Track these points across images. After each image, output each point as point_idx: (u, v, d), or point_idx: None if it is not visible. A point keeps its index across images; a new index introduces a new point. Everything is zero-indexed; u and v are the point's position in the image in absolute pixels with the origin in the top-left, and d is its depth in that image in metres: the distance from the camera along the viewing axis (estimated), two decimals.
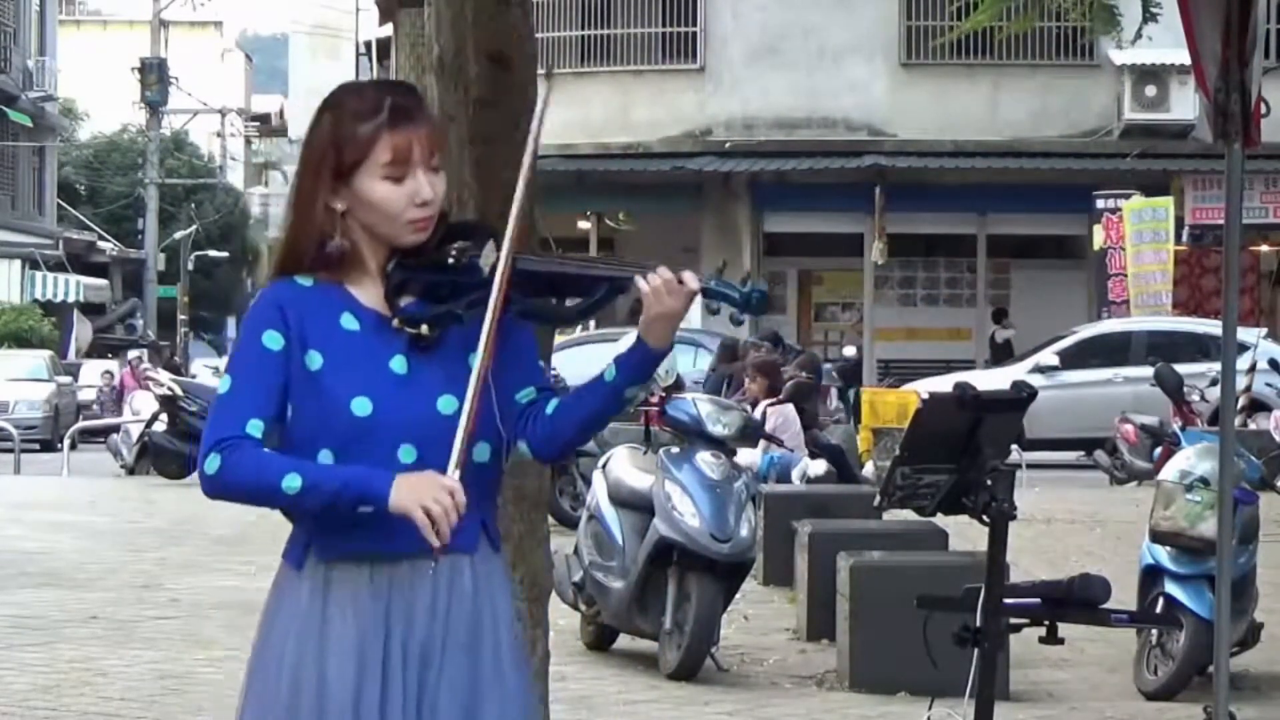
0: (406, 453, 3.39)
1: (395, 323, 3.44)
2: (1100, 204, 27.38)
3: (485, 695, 3.45)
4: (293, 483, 3.32)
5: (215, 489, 3.38)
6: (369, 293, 3.47)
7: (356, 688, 3.38)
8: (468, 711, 3.43)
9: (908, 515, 5.86)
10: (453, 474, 3.32)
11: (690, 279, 3.38)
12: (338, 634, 3.40)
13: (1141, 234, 26.64)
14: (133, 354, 36.95)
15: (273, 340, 3.40)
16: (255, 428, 3.37)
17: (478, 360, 3.39)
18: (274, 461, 3.36)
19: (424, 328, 3.42)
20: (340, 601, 3.41)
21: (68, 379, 36.17)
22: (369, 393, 3.39)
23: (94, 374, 36.74)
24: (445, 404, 3.41)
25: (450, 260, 3.44)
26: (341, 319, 3.44)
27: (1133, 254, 26.56)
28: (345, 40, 51.45)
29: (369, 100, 3.44)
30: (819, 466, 14.52)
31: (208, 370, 33.25)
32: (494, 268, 3.40)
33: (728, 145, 30.15)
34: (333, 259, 3.45)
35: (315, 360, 3.40)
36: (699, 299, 3.42)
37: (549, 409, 3.49)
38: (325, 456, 3.38)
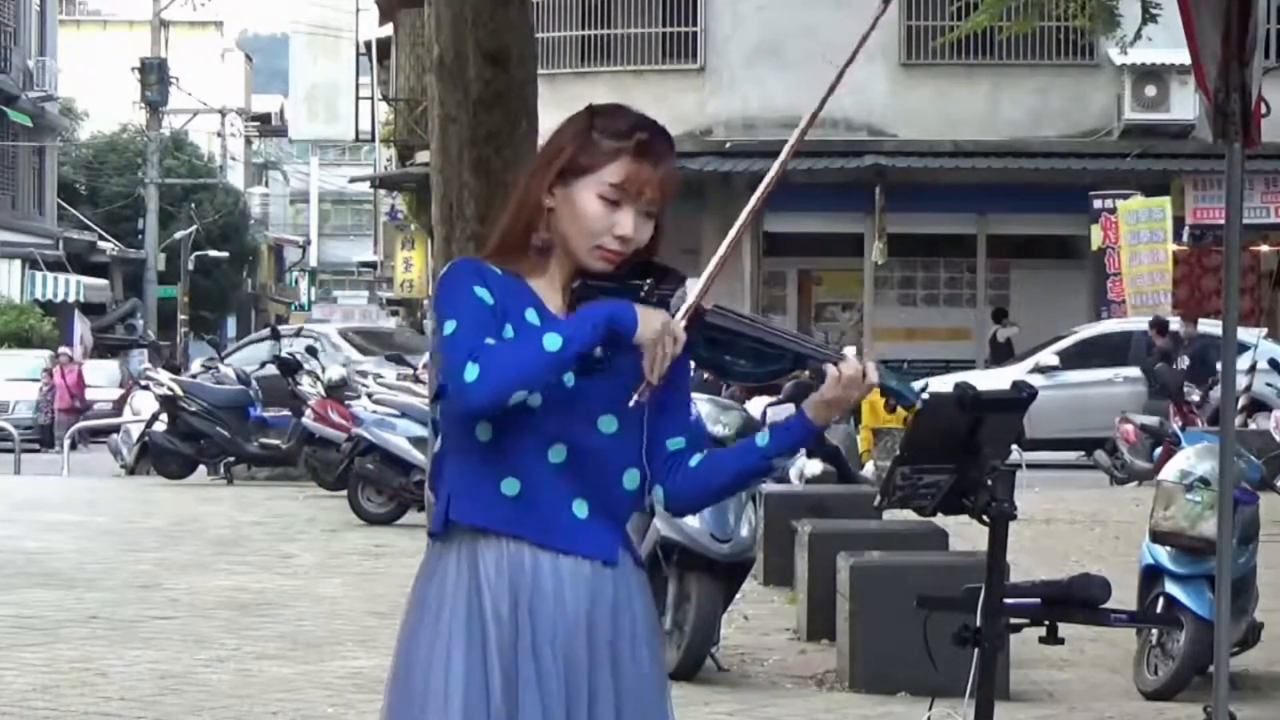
0: (556, 452, 3.44)
1: None
2: (1097, 204, 27.36)
3: (626, 708, 3.50)
4: (553, 342, 3.33)
5: (480, 394, 3.33)
6: (549, 298, 3.51)
7: (466, 660, 3.41)
8: None
9: (908, 515, 5.85)
10: (681, 319, 3.40)
11: (872, 373, 3.47)
12: (459, 605, 3.43)
13: (1138, 234, 26.63)
14: (63, 350, 36.65)
15: (484, 294, 3.43)
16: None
17: (722, 246, 3.51)
18: (520, 338, 3.39)
19: (597, 349, 3.43)
20: (476, 571, 3.43)
21: None
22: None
23: (94, 374, 36.65)
24: (606, 423, 3.46)
25: (640, 294, 3.48)
26: (526, 312, 3.47)
27: (1129, 254, 26.54)
28: (345, 40, 51.39)
29: (626, 122, 3.50)
30: (815, 466, 14.53)
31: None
32: (680, 311, 3.46)
33: (728, 145, 30.12)
34: (532, 251, 3.50)
35: (509, 335, 3.43)
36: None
37: (693, 462, 3.56)
38: (484, 429, 3.40)
